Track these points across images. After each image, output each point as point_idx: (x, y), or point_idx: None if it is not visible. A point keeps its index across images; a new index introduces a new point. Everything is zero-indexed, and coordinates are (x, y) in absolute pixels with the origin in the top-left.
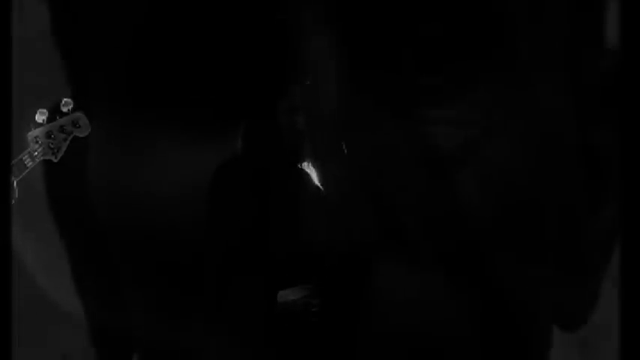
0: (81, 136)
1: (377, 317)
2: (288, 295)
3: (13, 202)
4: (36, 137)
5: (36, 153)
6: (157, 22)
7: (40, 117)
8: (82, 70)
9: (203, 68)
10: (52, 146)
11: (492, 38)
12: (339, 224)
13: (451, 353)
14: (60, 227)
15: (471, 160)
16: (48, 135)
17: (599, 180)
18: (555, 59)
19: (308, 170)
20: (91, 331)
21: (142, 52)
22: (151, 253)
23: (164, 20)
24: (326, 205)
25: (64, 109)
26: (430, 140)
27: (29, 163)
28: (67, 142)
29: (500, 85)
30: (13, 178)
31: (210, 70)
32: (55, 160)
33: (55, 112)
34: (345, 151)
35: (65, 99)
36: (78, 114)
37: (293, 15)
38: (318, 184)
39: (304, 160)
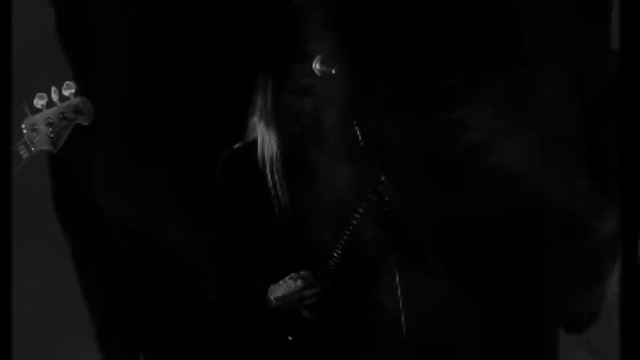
0: (84, 123)
1: (382, 320)
2: (278, 291)
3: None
4: (33, 125)
5: (33, 142)
6: (162, 21)
7: (39, 102)
8: (87, 69)
9: (209, 64)
10: (51, 135)
11: (498, 41)
12: (345, 227)
13: (457, 356)
14: (64, 226)
15: (478, 163)
16: (47, 122)
17: (605, 182)
18: (561, 60)
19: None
20: (96, 331)
21: (148, 51)
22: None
23: (169, 20)
24: (331, 208)
25: (66, 93)
26: (437, 143)
27: (25, 154)
28: (68, 130)
29: (506, 87)
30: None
31: (214, 62)
32: (54, 151)
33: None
34: (360, 137)
35: (67, 82)
36: (81, 99)
37: (299, 17)
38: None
39: (312, 146)
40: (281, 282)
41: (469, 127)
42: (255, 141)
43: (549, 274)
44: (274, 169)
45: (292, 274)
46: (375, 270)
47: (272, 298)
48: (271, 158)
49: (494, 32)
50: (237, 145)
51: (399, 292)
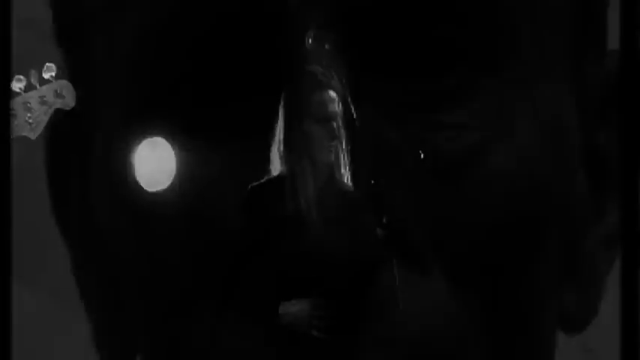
0: (65, 108)
1: (382, 323)
2: (288, 308)
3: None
4: (10, 109)
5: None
6: (163, 22)
7: (17, 85)
8: (86, 71)
9: (209, 65)
10: (29, 120)
11: (496, 41)
12: (344, 230)
13: (456, 357)
14: (62, 227)
15: (476, 165)
16: (25, 107)
17: (604, 182)
18: (559, 61)
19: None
20: (93, 332)
21: (149, 52)
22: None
23: (170, 21)
24: (331, 211)
25: (46, 76)
26: (435, 145)
27: None
28: (48, 115)
29: (505, 88)
30: None
31: (220, 71)
32: (33, 138)
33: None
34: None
35: (48, 64)
36: (62, 82)
37: (296, 17)
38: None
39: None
40: (293, 301)
41: (468, 128)
42: (281, 177)
43: (547, 275)
44: (311, 203)
45: (303, 296)
46: (376, 270)
47: (281, 314)
48: (306, 191)
49: (491, 33)
50: (261, 181)
51: (398, 293)
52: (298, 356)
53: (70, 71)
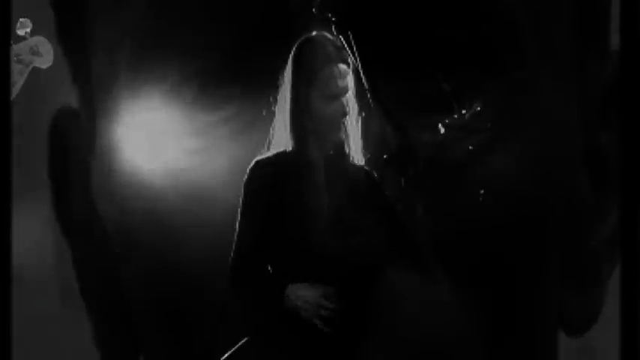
0: (42, 67)
1: (386, 325)
2: (299, 291)
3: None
4: None
5: None
6: (163, 20)
7: None
8: (87, 70)
9: (210, 67)
10: None
11: (498, 44)
12: (350, 232)
13: (456, 359)
14: (63, 228)
15: (478, 164)
16: None
17: (605, 182)
18: (561, 63)
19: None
20: (95, 333)
21: (148, 51)
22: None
23: (170, 19)
24: (337, 213)
25: (21, 32)
26: (437, 146)
27: None
28: (25, 75)
29: (507, 90)
30: None
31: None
32: (10, 99)
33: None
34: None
35: (21, 19)
36: (38, 38)
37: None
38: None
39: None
40: (301, 285)
41: (469, 131)
42: (286, 152)
43: (549, 277)
44: (316, 178)
45: (316, 284)
46: (378, 272)
47: (289, 295)
48: (312, 166)
49: (493, 33)
50: (268, 155)
51: (399, 295)
52: (300, 354)
53: (71, 69)
